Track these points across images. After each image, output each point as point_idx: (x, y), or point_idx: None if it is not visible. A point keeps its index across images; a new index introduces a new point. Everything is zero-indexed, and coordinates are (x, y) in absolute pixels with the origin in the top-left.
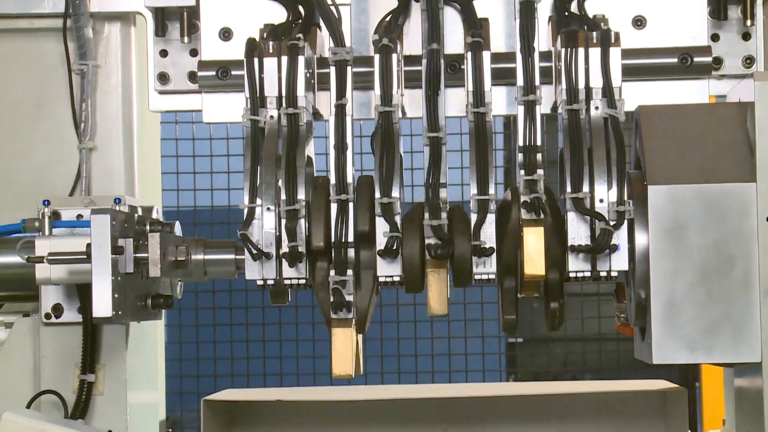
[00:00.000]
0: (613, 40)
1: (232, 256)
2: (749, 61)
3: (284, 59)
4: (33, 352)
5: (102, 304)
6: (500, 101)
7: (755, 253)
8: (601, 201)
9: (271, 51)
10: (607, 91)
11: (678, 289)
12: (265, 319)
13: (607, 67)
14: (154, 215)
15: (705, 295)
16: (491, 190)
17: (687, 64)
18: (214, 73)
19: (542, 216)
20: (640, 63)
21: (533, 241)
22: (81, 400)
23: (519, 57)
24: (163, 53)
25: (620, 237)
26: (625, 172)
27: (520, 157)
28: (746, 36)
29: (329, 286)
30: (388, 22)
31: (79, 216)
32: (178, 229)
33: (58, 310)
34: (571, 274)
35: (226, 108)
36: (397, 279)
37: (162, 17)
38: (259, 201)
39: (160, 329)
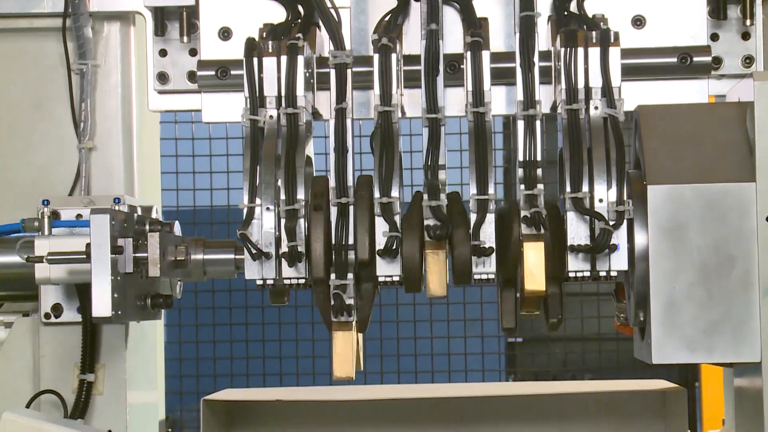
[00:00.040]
0: (612, 40)
1: (232, 256)
2: (749, 60)
3: (284, 59)
4: (32, 351)
5: (101, 304)
6: (500, 101)
7: (755, 253)
8: (601, 201)
9: (270, 51)
10: (607, 90)
11: (678, 288)
12: (264, 319)
13: (606, 67)
14: (154, 215)
15: (705, 295)
16: (491, 190)
17: (686, 63)
18: (213, 72)
19: (542, 231)
20: (639, 63)
21: (533, 257)
22: (80, 400)
23: (519, 71)
24: (163, 53)
25: (620, 237)
26: (625, 172)
27: (520, 172)
28: (746, 36)
29: (329, 291)
30: (387, 22)
31: (79, 216)
32: (177, 228)
33: (57, 309)
34: (571, 274)
35: (226, 108)
36: (396, 279)
37: (161, 17)
38: (258, 201)
39: (160, 329)
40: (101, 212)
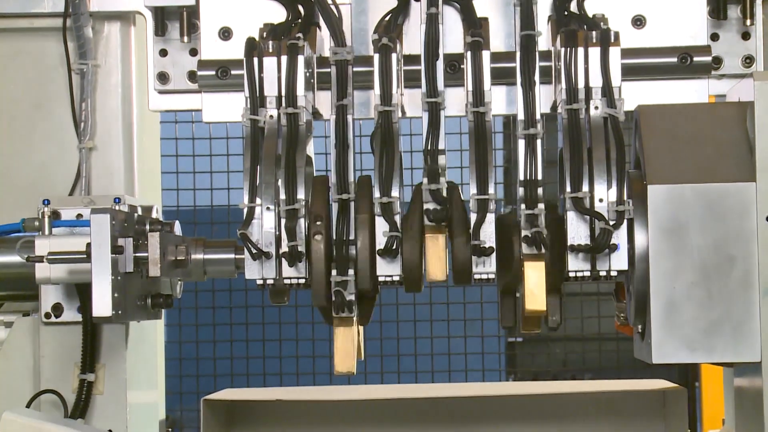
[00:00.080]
0: (612, 40)
1: (232, 256)
2: (749, 60)
3: (284, 59)
4: (33, 351)
5: (102, 304)
6: (500, 101)
7: (755, 252)
8: (601, 201)
9: (270, 50)
10: (607, 90)
11: (678, 288)
12: (264, 319)
13: (606, 67)
14: (154, 215)
15: (705, 295)
16: (491, 190)
17: (686, 63)
18: (213, 72)
19: (543, 251)
20: (639, 62)
21: (534, 277)
22: (81, 400)
23: (520, 90)
24: (163, 53)
25: (620, 237)
26: (625, 172)
27: (521, 191)
28: (746, 35)
29: (330, 287)
30: (387, 22)
31: (79, 215)
32: (177, 228)
33: (57, 309)
34: (571, 274)
35: (226, 107)
36: (396, 279)
37: (162, 17)
38: (258, 200)
39: (160, 329)
40: (101, 212)
